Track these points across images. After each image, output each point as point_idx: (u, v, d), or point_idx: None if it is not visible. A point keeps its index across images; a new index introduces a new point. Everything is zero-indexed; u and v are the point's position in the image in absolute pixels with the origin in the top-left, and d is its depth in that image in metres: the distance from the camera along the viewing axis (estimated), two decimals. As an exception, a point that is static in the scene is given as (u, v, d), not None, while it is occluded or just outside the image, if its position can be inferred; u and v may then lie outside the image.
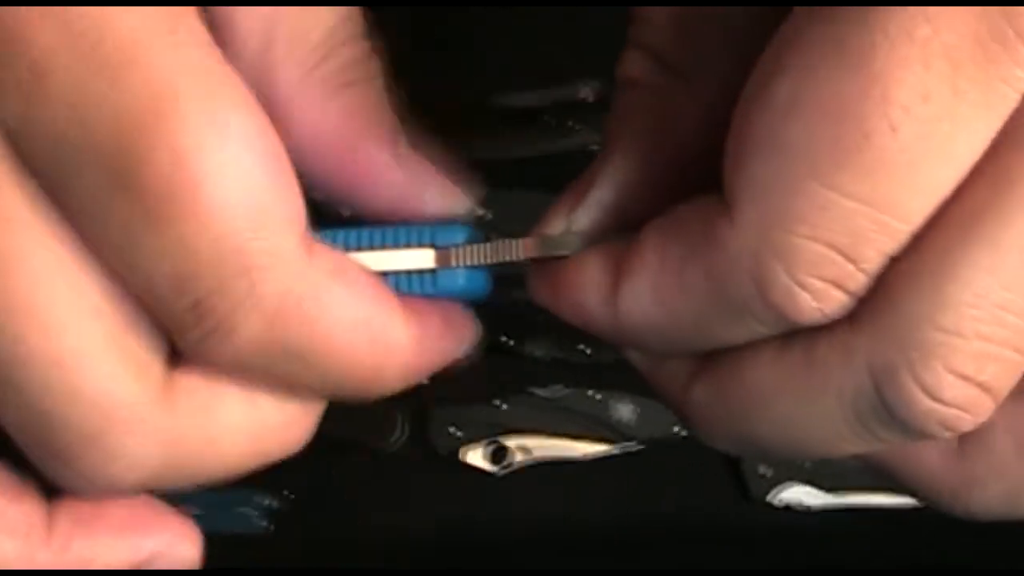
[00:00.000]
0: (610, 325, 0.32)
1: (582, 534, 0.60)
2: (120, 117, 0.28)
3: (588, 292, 0.32)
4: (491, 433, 0.60)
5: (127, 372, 0.30)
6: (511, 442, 0.60)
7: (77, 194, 0.29)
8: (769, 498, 0.59)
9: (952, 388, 0.29)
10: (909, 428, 0.29)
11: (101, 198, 0.29)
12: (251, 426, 0.32)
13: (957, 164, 0.28)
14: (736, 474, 0.59)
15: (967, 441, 0.32)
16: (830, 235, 0.28)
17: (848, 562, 0.57)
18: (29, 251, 0.29)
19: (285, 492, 0.60)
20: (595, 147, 0.61)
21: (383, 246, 0.33)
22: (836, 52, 0.28)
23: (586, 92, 0.61)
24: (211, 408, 0.32)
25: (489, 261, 0.34)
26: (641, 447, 0.60)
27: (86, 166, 0.28)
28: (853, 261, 0.29)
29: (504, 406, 0.60)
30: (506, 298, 0.61)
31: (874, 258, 0.29)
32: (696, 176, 0.31)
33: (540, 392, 0.60)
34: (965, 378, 0.28)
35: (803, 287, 0.29)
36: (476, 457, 0.60)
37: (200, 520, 0.60)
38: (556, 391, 0.60)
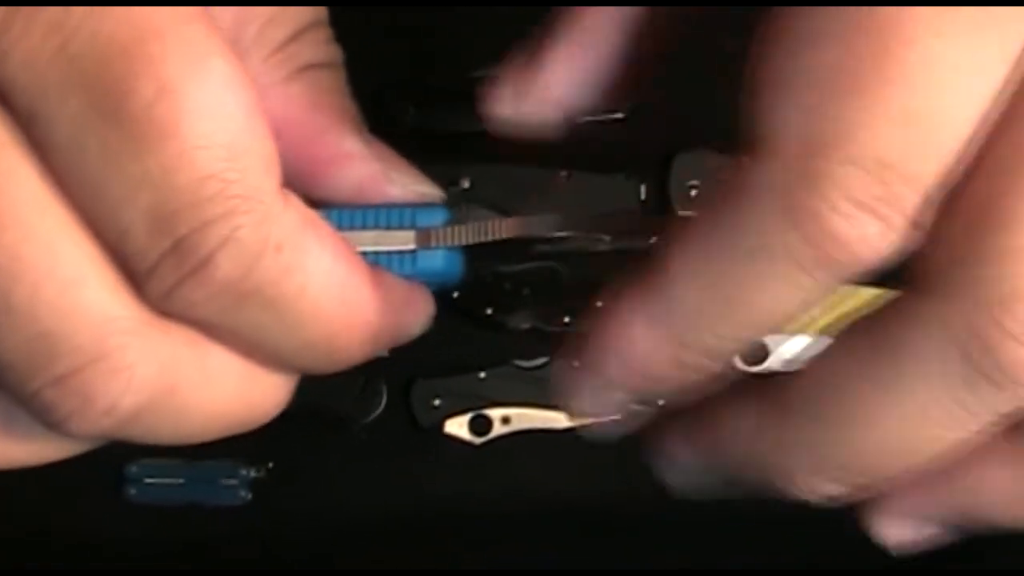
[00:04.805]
0: (670, 360, 0.31)
1: (563, 504, 0.60)
2: (104, 45, 0.28)
3: (634, 352, 0.31)
4: (473, 405, 0.60)
5: (119, 292, 0.30)
6: (493, 413, 0.60)
7: (55, 125, 0.29)
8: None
9: None
10: (1006, 386, 0.28)
11: (81, 127, 0.29)
12: (241, 375, 0.32)
13: (988, 75, 0.27)
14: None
15: (1019, 441, 0.31)
16: (861, 156, 0.27)
17: (836, 540, 0.57)
18: (10, 170, 0.29)
19: (268, 464, 0.60)
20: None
21: (363, 227, 0.33)
22: None
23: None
24: (204, 346, 0.31)
25: (469, 241, 0.34)
26: (623, 418, 0.60)
27: (67, 94, 0.28)
28: (885, 183, 0.28)
29: (487, 378, 0.60)
30: (491, 271, 0.62)
31: (910, 177, 0.28)
32: (648, 65, 0.31)
33: (523, 364, 0.61)
34: None
35: (839, 212, 0.28)
36: (457, 428, 0.60)
37: (183, 491, 0.60)
38: (539, 363, 0.60)
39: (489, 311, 0.60)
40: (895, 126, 0.27)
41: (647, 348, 0.31)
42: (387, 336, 0.33)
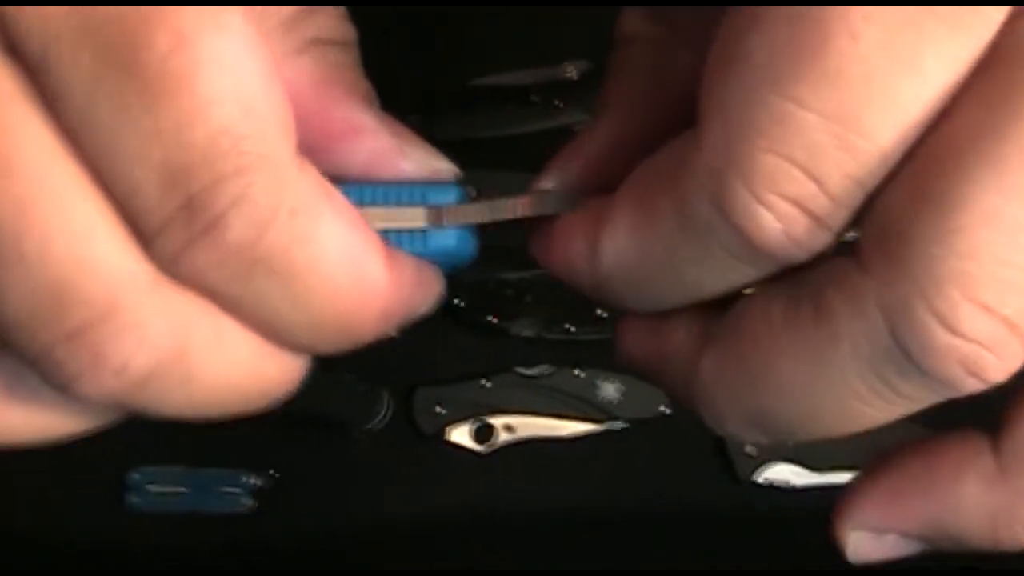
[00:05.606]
0: (592, 277, 0.31)
1: (566, 513, 0.60)
2: None
3: (573, 244, 0.32)
4: (476, 412, 0.60)
5: (131, 248, 0.29)
6: (496, 421, 0.60)
7: (68, 76, 0.28)
8: (755, 477, 0.59)
9: (972, 319, 0.26)
10: (929, 371, 0.27)
11: (94, 79, 0.28)
12: (254, 345, 0.31)
13: (926, 81, 0.27)
14: (721, 453, 0.59)
15: (1005, 456, 0.30)
16: (789, 149, 0.27)
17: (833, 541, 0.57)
18: (20, 122, 0.29)
19: (271, 471, 0.60)
20: (580, 127, 0.61)
21: (373, 203, 0.33)
22: None
23: (573, 72, 0.61)
24: (215, 312, 0.31)
25: (483, 220, 0.33)
26: (626, 426, 0.60)
27: (81, 44, 0.28)
28: (815, 180, 0.27)
29: (489, 385, 0.60)
30: (493, 278, 0.62)
31: (837, 178, 0.27)
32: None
33: (525, 371, 0.60)
34: (986, 308, 0.26)
35: (763, 204, 0.27)
36: (461, 436, 0.60)
37: (185, 499, 0.60)
38: (542, 370, 0.60)
39: (492, 318, 0.60)
40: (827, 124, 0.27)
41: (580, 262, 0.32)
42: (398, 315, 0.32)
